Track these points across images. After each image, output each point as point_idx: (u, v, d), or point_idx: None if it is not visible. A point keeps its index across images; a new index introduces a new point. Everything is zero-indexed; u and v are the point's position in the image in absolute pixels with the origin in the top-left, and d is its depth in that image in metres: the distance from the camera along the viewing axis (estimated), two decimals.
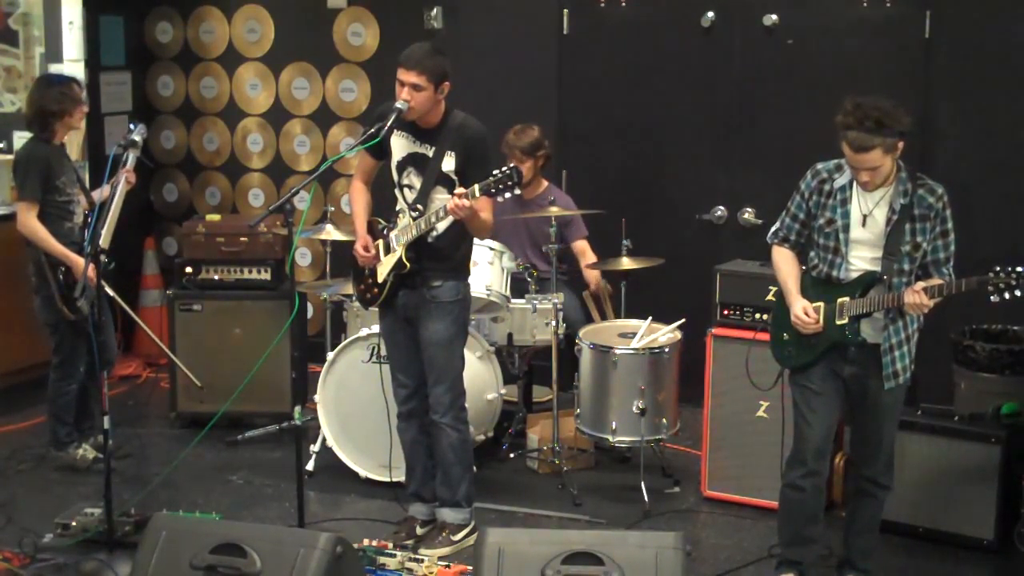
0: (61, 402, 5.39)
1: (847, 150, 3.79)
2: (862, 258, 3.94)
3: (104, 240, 5.09)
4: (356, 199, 4.65)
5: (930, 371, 5.64)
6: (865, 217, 3.91)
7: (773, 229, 4.18)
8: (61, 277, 5.17)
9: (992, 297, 3.73)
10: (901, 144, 3.78)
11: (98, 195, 5.29)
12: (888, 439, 4.11)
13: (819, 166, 4.03)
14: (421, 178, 4.42)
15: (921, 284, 3.84)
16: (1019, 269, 3.70)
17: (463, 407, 4.60)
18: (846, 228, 3.93)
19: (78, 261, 5.10)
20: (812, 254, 4.08)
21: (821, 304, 4.01)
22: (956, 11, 5.75)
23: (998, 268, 3.73)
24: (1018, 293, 3.70)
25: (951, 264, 3.95)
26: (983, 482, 4.56)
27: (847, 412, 4.19)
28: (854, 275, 3.95)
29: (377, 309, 4.64)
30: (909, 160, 3.97)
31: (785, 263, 4.13)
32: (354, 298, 4.82)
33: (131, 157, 5.34)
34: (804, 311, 3.99)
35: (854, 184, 3.90)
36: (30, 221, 5.17)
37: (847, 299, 3.93)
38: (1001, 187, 5.72)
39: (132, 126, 5.32)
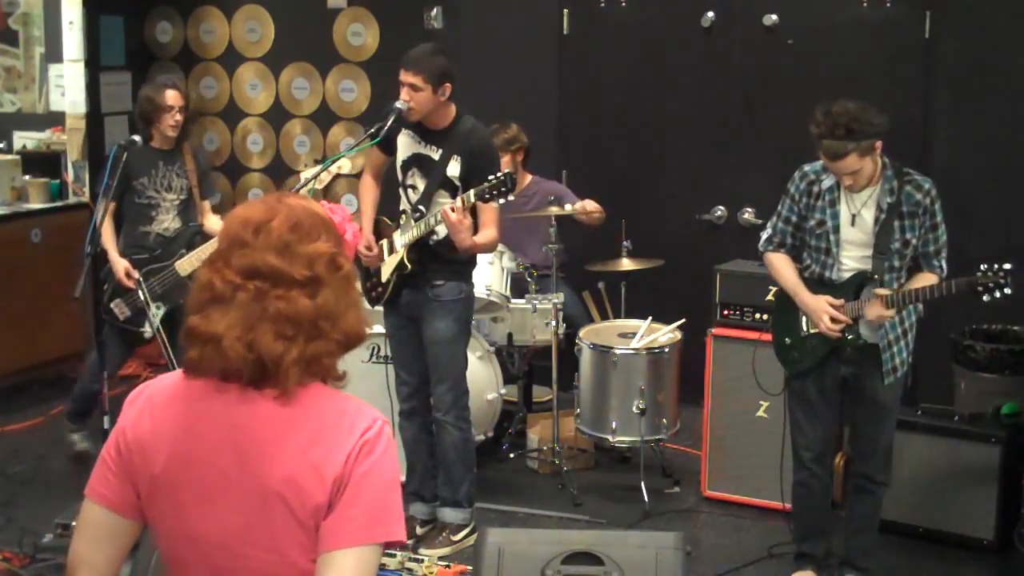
0: (83, 387, 5.31)
1: (824, 159, 3.83)
2: (853, 257, 3.95)
3: (184, 267, 5.07)
4: (364, 195, 4.68)
5: (930, 371, 5.63)
6: (854, 217, 3.92)
7: (766, 236, 4.16)
8: (104, 277, 5.10)
9: (984, 297, 3.72)
10: (879, 144, 3.80)
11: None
12: (887, 435, 4.12)
13: (806, 167, 4.04)
14: (425, 180, 4.43)
15: (883, 290, 3.85)
16: (1006, 267, 3.69)
17: (466, 406, 4.60)
18: (836, 229, 3.93)
19: (115, 261, 5.09)
20: (804, 255, 4.08)
21: None
22: (956, 11, 5.75)
23: (984, 267, 3.72)
24: (1008, 291, 3.69)
25: (942, 256, 3.96)
26: (983, 482, 4.55)
27: (846, 410, 4.20)
28: (847, 275, 3.95)
29: (381, 308, 4.65)
30: (910, 160, 3.97)
31: (785, 267, 4.11)
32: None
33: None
34: (834, 312, 3.92)
35: (841, 185, 3.91)
36: (97, 216, 5.17)
37: (843, 302, 3.93)
38: (1001, 187, 5.72)
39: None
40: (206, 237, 5.22)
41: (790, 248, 4.12)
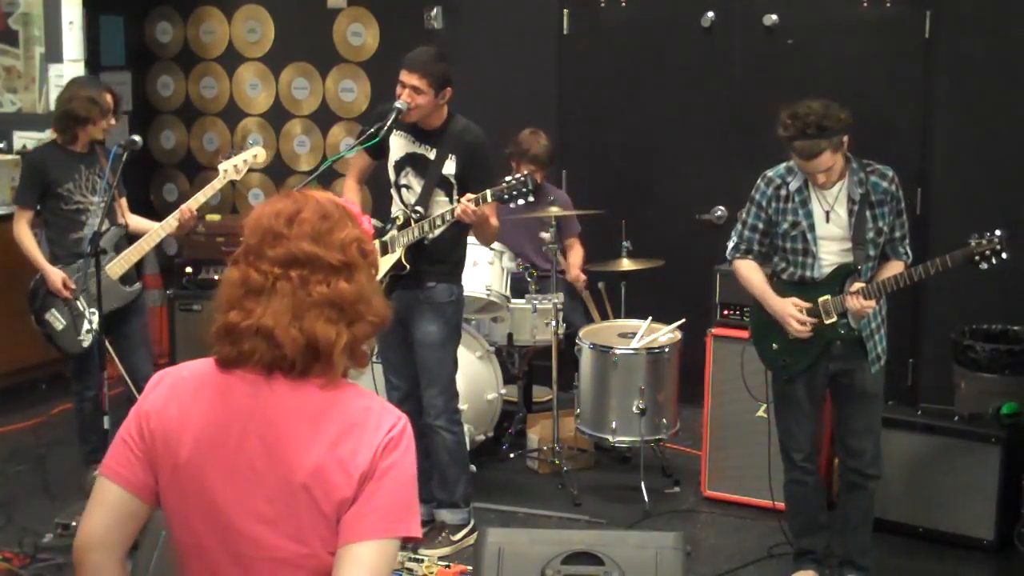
0: (79, 418, 5.20)
1: (797, 160, 3.87)
2: (832, 253, 3.99)
3: (115, 270, 4.92)
4: (349, 198, 4.65)
5: (930, 371, 5.64)
6: (828, 213, 3.96)
7: (732, 244, 4.18)
8: (34, 289, 5.01)
9: (982, 265, 3.78)
10: (846, 138, 3.84)
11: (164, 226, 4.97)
12: (877, 427, 4.15)
13: (769, 173, 4.07)
14: (420, 179, 4.43)
15: (859, 285, 3.90)
16: (997, 233, 3.76)
17: (456, 409, 4.61)
18: (812, 228, 3.97)
19: (49, 271, 4.93)
20: (777, 259, 4.09)
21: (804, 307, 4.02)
22: (956, 11, 5.75)
23: (977, 235, 3.79)
24: (1005, 256, 3.76)
25: (907, 242, 4.03)
26: (983, 482, 4.55)
27: (835, 409, 4.21)
28: (828, 270, 3.98)
29: None
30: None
31: (754, 273, 4.14)
32: None
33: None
34: (801, 315, 3.97)
35: (809, 184, 3.95)
36: (16, 225, 5.01)
37: (828, 297, 3.95)
38: (1001, 186, 5.72)
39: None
40: (132, 238, 5.04)
41: (757, 254, 4.14)
